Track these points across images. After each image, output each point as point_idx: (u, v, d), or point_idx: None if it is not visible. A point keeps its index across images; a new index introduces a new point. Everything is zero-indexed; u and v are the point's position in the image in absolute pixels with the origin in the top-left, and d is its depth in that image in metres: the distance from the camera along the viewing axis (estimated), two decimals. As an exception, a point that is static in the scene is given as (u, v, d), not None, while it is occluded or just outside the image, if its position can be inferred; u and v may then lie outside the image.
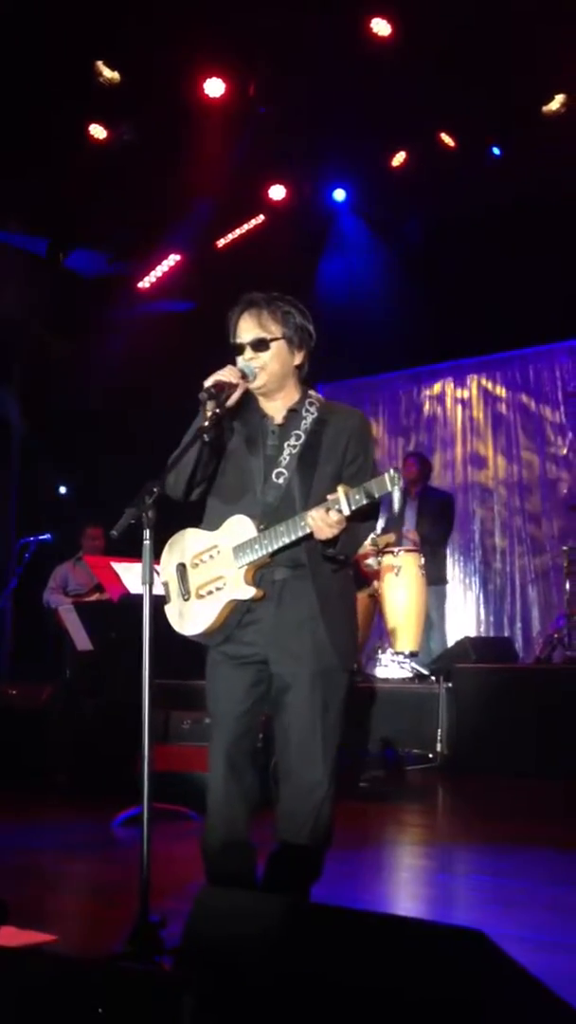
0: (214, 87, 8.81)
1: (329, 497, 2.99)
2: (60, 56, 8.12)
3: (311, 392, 3.37)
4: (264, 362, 3.23)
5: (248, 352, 3.23)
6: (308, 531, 3.05)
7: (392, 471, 2.92)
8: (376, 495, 2.95)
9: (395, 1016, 1.89)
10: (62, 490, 10.92)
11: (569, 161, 8.61)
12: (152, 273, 10.89)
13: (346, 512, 2.95)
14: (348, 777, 6.69)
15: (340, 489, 2.96)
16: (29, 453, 10.85)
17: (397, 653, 8.32)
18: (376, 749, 7.61)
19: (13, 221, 9.81)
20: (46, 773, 7.12)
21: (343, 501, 2.94)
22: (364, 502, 2.95)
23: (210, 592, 3.24)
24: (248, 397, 3.32)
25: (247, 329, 3.24)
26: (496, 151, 9.34)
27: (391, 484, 2.90)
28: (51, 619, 8.64)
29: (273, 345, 3.23)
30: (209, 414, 3.12)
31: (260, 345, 3.23)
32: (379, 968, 1.91)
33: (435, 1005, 1.85)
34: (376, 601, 8.29)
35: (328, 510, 2.98)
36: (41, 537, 9.08)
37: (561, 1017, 1.89)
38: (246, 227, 10.56)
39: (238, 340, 3.26)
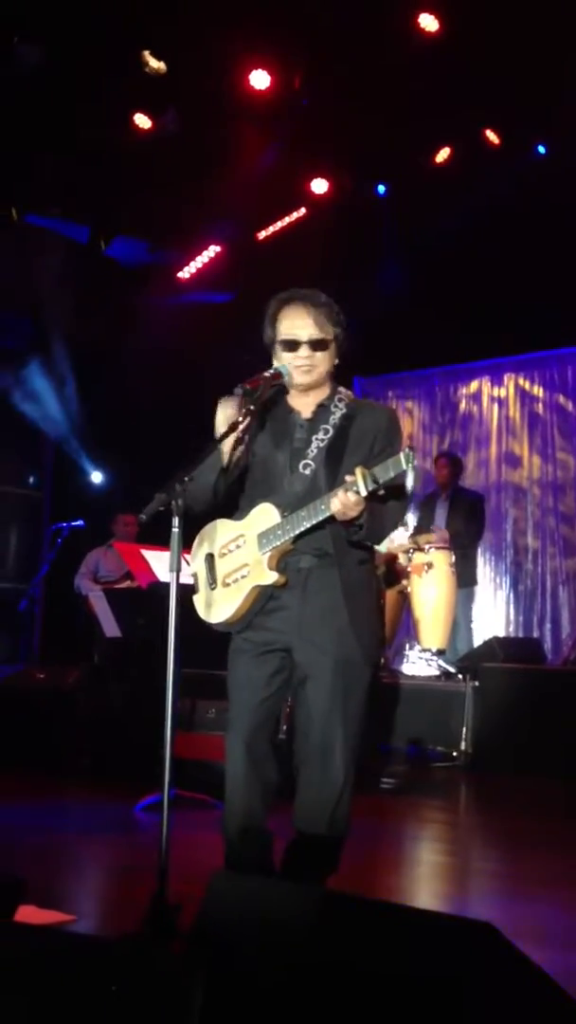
0: (259, 79, 8.82)
1: (347, 478, 3.00)
2: (107, 45, 8.17)
3: (341, 388, 3.39)
4: (317, 362, 3.25)
5: (304, 350, 3.23)
6: (328, 514, 3.06)
7: (407, 449, 2.91)
8: (391, 473, 2.93)
9: (404, 1004, 1.91)
10: (96, 477, 10.99)
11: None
12: (192, 263, 10.92)
13: (363, 492, 2.95)
14: (370, 772, 6.70)
15: (357, 470, 2.96)
16: (64, 439, 10.93)
17: (424, 650, 8.32)
18: (400, 745, 7.62)
19: (55, 207, 9.88)
20: (71, 756, 7.19)
21: (360, 482, 2.94)
22: (380, 480, 2.94)
23: (235, 580, 3.28)
24: (276, 393, 3.34)
25: (304, 326, 3.23)
26: (541, 149, 9.28)
27: (406, 462, 2.89)
28: (81, 605, 8.71)
29: (331, 346, 3.25)
30: (243, 409, 3.16)
31: (319, 345, 3.24)
32: (388, 956, 1.93)
33: (444, 994, 1.87)
34: (406, 597, 8.30)
35: (347, 491, 2.99)
36: (74, 523, 9.16)
37: (568, 1010, 1.90)
38: (287, 220, 10.56)
39: (293, 336, 3.24)
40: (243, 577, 3.27)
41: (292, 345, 3.25)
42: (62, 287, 10.06)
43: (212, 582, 3.34)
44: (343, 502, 3.00)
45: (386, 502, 3.12)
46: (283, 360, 3.26)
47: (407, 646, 8.64)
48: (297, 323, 3.25)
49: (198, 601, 3.40)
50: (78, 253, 10.34)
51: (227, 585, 3.30)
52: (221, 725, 6.13)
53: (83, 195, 9.68)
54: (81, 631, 8.83)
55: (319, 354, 3.24)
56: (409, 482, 2.92)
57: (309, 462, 3.24)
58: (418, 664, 8.40)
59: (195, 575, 3.42)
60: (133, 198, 9.72)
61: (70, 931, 3.24)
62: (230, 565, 3.31)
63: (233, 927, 2.12)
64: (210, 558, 3.37)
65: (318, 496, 3.15)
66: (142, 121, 9.16)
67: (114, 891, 4.34)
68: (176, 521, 3.08)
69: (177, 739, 6.15)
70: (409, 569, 8.16)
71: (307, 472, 3.24)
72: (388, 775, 6.98)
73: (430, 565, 8.11)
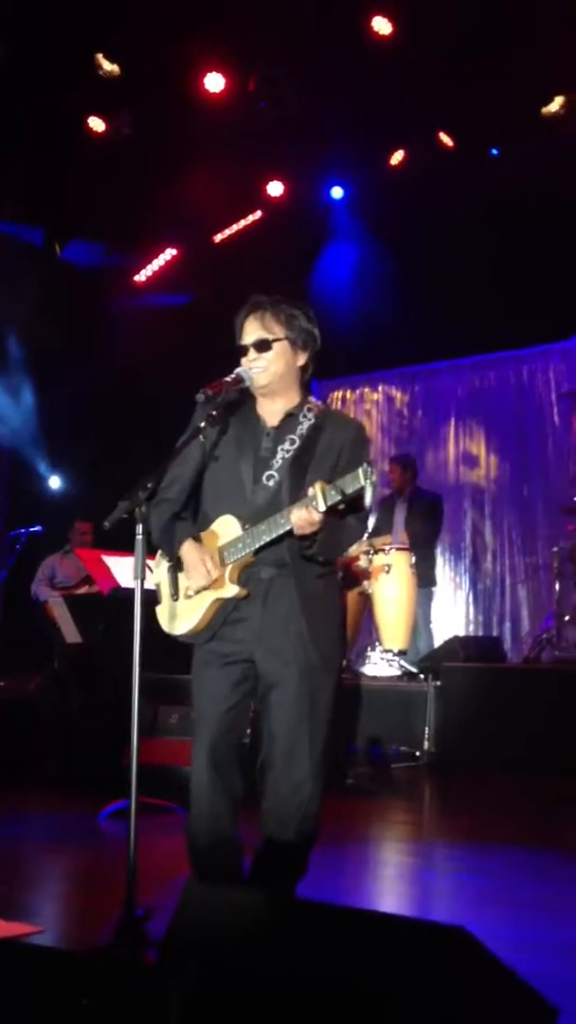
0: (214, 82, 8.81)
1: (308, 494, 3.00)
2: (61, 48, 8.11)
3: (311, 398, 3.38)
4: (267, 362, 3.24)
5: (251, 353, 3.24)
6: (287, 528, 3.06)
7: (365, 465, 2.90)
8: (348, 490, 2.92)
9: (377, 1011, 1.91)
10: (54, 482, 10.91)
11: (568, 162, 8.62)
12: (149, 266, 10.88)
13: (321, 508, 2.94)
14: (334, 773, 6.71)
15: (317, 485, 2.96)
16: (21, 444, 10.83)
17: (386, 651, 8.35)
18: (363, 746, 7.63)
19: (9, 210, 9.79)
20: (33, 765, 7.13)
21: (319, 497, 2.94)
22: (338, 498, 2.94)
23: (197, 591, 3.26)
24: (243, 400, 3.33)
25: (251, 331, 3.26)
26: (495, 151, 9.35)
27: (364, 477, 2.88)
28: (40, 611, 8.64)
29: (275, 346, 3.24)
30: (206, 415, 3.15)
31: (262, 346, 3.24)
32: (361, 963, 1.93)
33: (417, 999, 1.87)
34: (367, 599, 8.32)
35: (306, 507, 2.99)
36: (32, 529, 9.09)
37: (538, 1012, 1.91)
38: (244, 223, 10.56)
39: (242, 341, 3.28)
40: (204, 588, 3.25)
41: (243, 350, 3.28)
42: (16, 291, 9.98)
43: (175, 594, 3.32)
44: (302, 517, 3.00)
45: (345, 517, 3.11)
46: (242, 365, 3.27)
47: (369, 647, 8.65)
48: (246, 329, 3.29)
49: (161, 613, 3.38)
50: (33, 256, 10.26)
51: (189, 597, 3.29)
52: (183, 730, 6.14)
53: (38, 198, 9.61)
54: (41, 638, 8.76)
55: (266, 355, 3.24)
56: (368, 497, 2.91)
57: (273, 473, 3.23)
58: (380, 665, 8.41)
59: (158, 585, 3.40)
60: (88, 201, 9.67)
61: (38, 944, 3.21)
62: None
63: (207, 937, 2.11)
64: (173, 569, 3.35)
65: (280, 508, 3.14)
66: (96, 124, 9.12)
67: (81, 901, 4.30)
68: (140, 528, 3.06)
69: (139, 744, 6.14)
70: (369, 571, 8.19)
71: (271, 483, 3.22)
72: (352, 776, 6.99)
73: (390, 566, 8.14)
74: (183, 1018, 1.80)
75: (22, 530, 9.09)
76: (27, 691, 7.74)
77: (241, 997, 1.99)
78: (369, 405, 11.76)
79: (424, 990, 1.88)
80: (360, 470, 2.89)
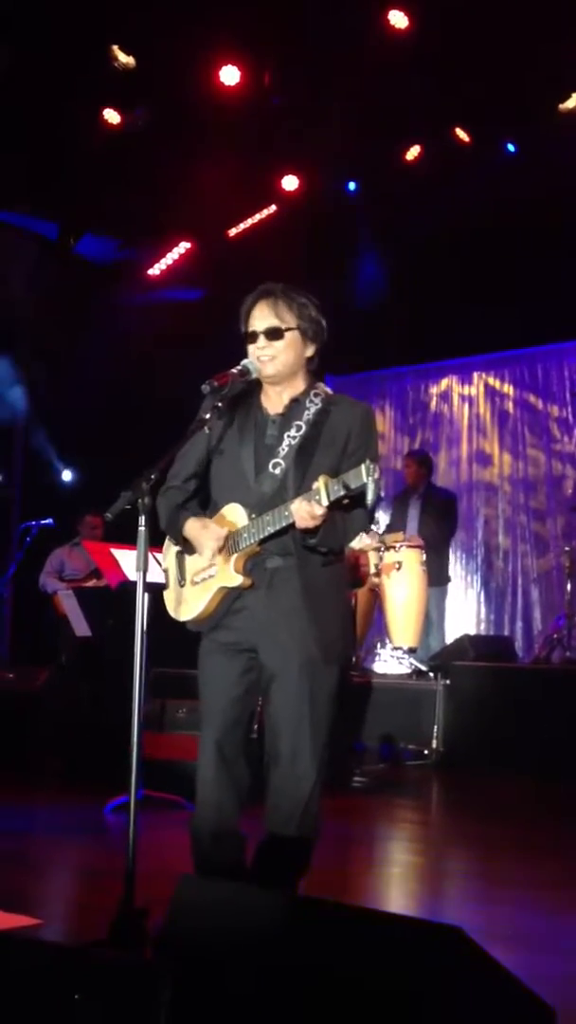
0: (229, 75, 8.76)
1: (313, 487, 2.98)
2: (76, 40, 8.08)
3: (318, 384, 3.34)
4: (276, 351, 3.21)
5: (261, 340, 3.21)
6: (291, 520, 3.04)
7: (368, 462, 2.88)
8: (352, 486, 2.90)
9: (372, 1009, 1.88)
10: (67, 475, 10.91)
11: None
12: (162, 260, 10.86)
13: (324, 503, 2.93)
14: (343, 772, 6.69)
15: (321, 480, 2.95)
16: (34, 437, 10.84)
17: (396, 648, 8.32)
18: (372, 744, 7.60)
19: (24, 203, 9.78)
20: (40, 757, 7.12)
21: (322, 492, 2.93)
22: (341, 493, 2.92)
23: (203, 579, 3.26)
24: (248, 389, 3.31)
25: (262, 317, 3.22)
26: (511, 147, 9.29)
27: (366, 475, 2.86)
28: (49, 604, 8.64)
29: (288, 335, 3.21)
30: (211, 406, 3.14)
31: (274, 334, 3.20)
32: (357, 961, 1.90)
33: (412, 998, 1.84)
34: (377, 596, 8.29)
35: (310, 500, 2.97)
36: (43, 522, 9.07)
37: (536, 1013, 1.88)
38: (258, 217, 10.52)
39: (251, 328, 3.24)
40: (210, 576, 3.24)
41: (252, 337, 3.24)
42: (31, 284, 9.97)
43: (181, 579, 3.32)
44: (305, 511, 2.98)
45: (350, 510, 3.10)
46: (249, 354, 3.24)
47: (379, 644, 8.62)
48: (255, 315, 3.24)
49: (168, 598, 3.37)
50: (47, 250, 10.25)
51: (195, 584, 3.28)
52: (192, 724, 6.12)
53: (52, 191, 9.59)
54: (49, 631, 8.75)
55: (277, 343, 3.21)
56: (369, 495, 2.89)
57: (279, 461, 3.20)
58: (390, 663, 8.39)
59: (166, 571, 3.39)
60: (102, 194, 9.64)
61: (31, 937, 3.18)
62: (199, 563, 3.28)
63: (200, 933, 2.08)
64: (180, 555, 3.34)
65: (286, 496, 3.12)
66: (111, 117, 9.08)
67: (82, 895, 4.29)
68: (142, 520, 3.05)
69: (147, 739, 6.12)
70: (380, 568, 8.16)
71: (277, 471, 3.20)
72: (360, 774, 6.96)
73: (400, 564, 8.11)
74: (173, 1015, 1.78)
75: (33, 522, 9.08)
76: (35, 685, 7.74)
77: (233, 995, 1.96)
78: (383, 402, 11.72)
79: (420, 991, 1.86)
80: (363, 467, 2.87)
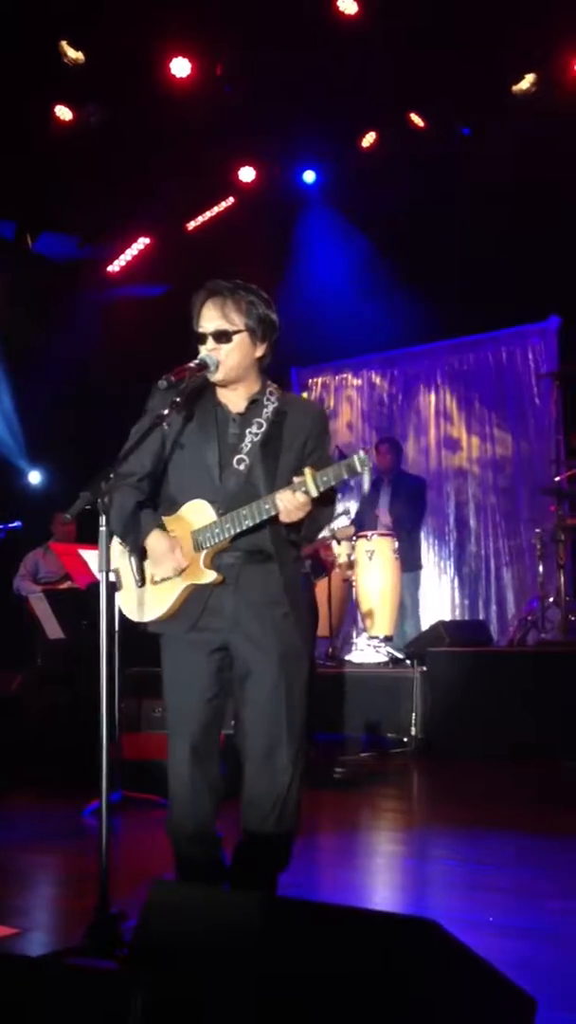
0: (180, 67, 8.70)
1: (295, 479, 2.99)
2: (24, 36, 7.99)
3: (270, 383, 3.34)
4: (225, 353, 3.18)
5: (210, 342, 3.18)
6: (273, 513, 3.03)
7: (361, 453, 2.92)
8: (345, 476, 2.94)
9: (348, 1008, 1.85)
10: (34, 477, 10.82)
11: (539, 141, 8.54)
12: (122, 256, 10.78)
13: (313, 493, 2.96)
14: (323, 763, 6.67)
15: (307, 471, 2.96)
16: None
17: (372, 638, 8.30)
18: (351, 734, 7.59)
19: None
20: (16, 762, 7.05)
21: (310, 483, 2.95)
22: (332, 483, 2.96)
23: (166, 578, 3.20)
24: (204, 386, 3.27)
25: (210, 319, 3.19)
26: (466, 131, 9.27)
27: (360, 466, 2.90)
28: (22, 607, 8.57)
29: (235, 337, 3.18)
30: (170, 403, 3.11)
31: (222, 337, 3.18)
32: (331, 960, 1.87)
33: (388, 995, 1.82)
34: (350, 586, 8.26)
35: (295, 492, 2.96)
36: (11, 525, 9.00)
37: (517, 1004, 1.86)
38: (216, 209, 10.47)
39: (200, 329, 3.21)
40: (176, 574, 3.19)
41: (202, 338, 3.21)
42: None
43: (140, 580, 3.26)
44: (292, 503, 2.99)
45: (324, 505, 3.13)
46: (200, 352, 3.21)
47: (354, 634, 8.60)
48: (204, 315, 3.21)
49: (125, 601, 3.32)
50: (5, 249, 10.15)
51: (156, 583, 3.23)
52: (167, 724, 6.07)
53: (7, 190, 9.49)
54: (25, 634, 8.68)
55: (224, 346, 3.18)
56: (365, 484, 2.94)
57: (243, 457, 3.19)
58: (366, 651, 8.37)
59: (117, 571, 3.32)
60: (59, 192, 9.55)
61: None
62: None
63: (174, 938, 2.05)
64: (136, 555, 3.28)
65: (252, 493, 3.12)
66: (63, 113, 9.01)
67: (61, 901, 4.24)
68: (103, 519, 3.01)
69: (124, 739, 6.06)
70: (353, 558, 8.14)
71: (241, 468, 3.19)
72: (340, 764, 6.95)
73: (372, 552, 8.09)
74: (144, 1021, 1.74)
75: (0, 525, 9.00)
76: (10, 688, 7.67)
77: (209, 997, 1.93)
78: (350, 391, 11.68)
79: (396, 987, 1.83)
80: (356, 458, 2.91)
